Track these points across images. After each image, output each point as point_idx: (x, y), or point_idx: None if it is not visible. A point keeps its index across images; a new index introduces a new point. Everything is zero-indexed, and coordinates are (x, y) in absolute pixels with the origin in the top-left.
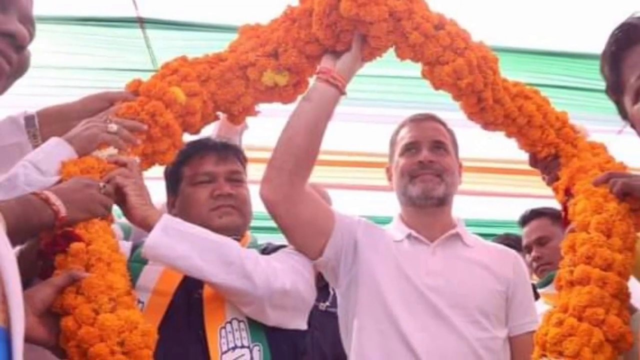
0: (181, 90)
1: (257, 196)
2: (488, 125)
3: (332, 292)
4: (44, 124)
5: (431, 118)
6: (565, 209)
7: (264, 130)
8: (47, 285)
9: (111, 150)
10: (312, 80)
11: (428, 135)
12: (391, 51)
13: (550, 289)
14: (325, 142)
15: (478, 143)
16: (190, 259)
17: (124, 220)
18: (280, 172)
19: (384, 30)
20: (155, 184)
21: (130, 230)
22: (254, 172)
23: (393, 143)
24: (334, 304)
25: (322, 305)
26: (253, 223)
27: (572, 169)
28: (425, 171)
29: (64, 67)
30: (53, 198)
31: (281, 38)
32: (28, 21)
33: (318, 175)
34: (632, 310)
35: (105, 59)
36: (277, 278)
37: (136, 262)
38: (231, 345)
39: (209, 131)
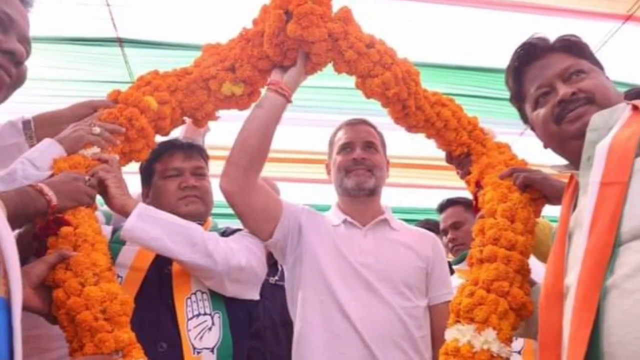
0: (154, 99)
1: (217, 188)
2: (411, 128)
3: (280, 268)
4: (39, 127)
5: (363, 122)
6: (475, 198)
7: (223, 132)
8: (41, 263)
9: (95, 149)
10: (263, 91)
11: (361, 136)
12: (330, 66)
13: (463, 266)
14: (274, 142)
15: (403, 143)
16: (161, 240)
17: (105, 208)
18: (237, 167)
19: (323, 49)
20: (132, 177)
21: (110, 216)
22: (215, 168)
23: (331, 143)
24: (282, 278)
25: (272, 279)
26: (214, 210)
27: (482, 164)
28: (358, 167)
29: (55, 80)
30: (46, 189)
31: (238, 55)
32: (25, 41)
33: (269, 170)
34: (532, 283)
35: (89, 73)
36: (234, 256)
37: (116, 243)
38: (196, 312)
39: (177, 133)
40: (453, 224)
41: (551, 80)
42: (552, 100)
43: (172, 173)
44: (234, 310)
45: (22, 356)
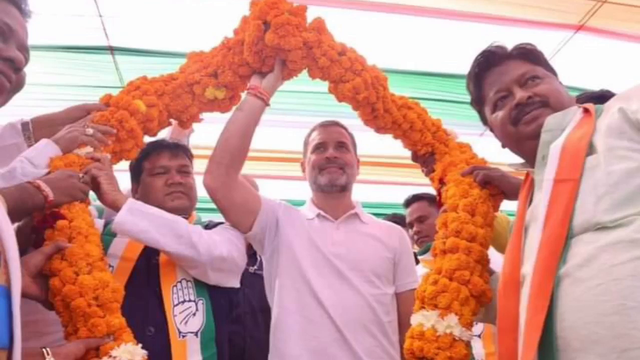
0: (142, 102)
1: (201, 184)
2: (380, 129)
3: (259, 259)
4: (36, 129)
5: (336, 124)
6: (439, 194)
7: (206, 133)
8: (39, 253)
9: (88, 149)
10: (243, 95)
11: (333, 137)
12: (305, 72)
13: (427, 256)
14: (254, 142)
15: (372, 143)
16: (150, 232)
17: (98, 202)
18: (219, 165)
19: (299, 56)
20: (122, 175)
21: (102, 210)
22: (199, 166)
23: (306, 143)
24: (260, 267)
25: (251, 269)
26: (198, 205)
27: (445, 163)
28: (331, 165)
29: (51, 85)
30: (43, 185)
31: (220, 62)
32: (24, 48)
33: (248, 168)
34: (491, 272)
35: (83, 79)
36: (217, 247)
37: (107, 235)
38: (181, 299)
39: (164, 134)
40: (418, 218)
41: (509, 85)
42: (510, 104)
43: (159, 171)
44: (216, 297)
45: (21, 339)
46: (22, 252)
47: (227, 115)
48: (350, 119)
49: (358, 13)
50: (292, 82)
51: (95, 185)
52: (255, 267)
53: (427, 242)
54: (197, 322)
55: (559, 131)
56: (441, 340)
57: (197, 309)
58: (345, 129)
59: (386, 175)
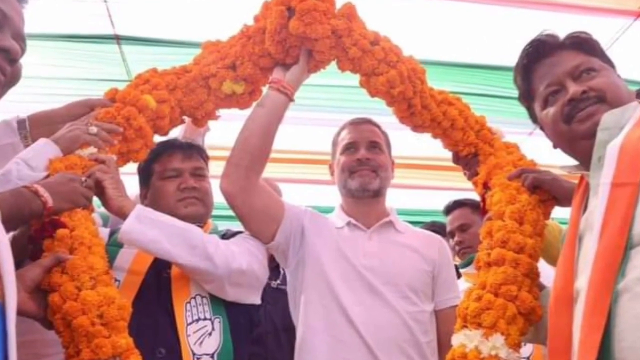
0: (152, 98)
1: (217, 189)
2: (417, 127)
3: (282, 272)
4: (34, 127)
5: (368, 121)
6: (483, 200)
7: (223, 132)
8: (37, 266)
9: (92, 149)
10: (265, 89)
11: (365, 136)
12: (333, 64)
13: (470, 269)
14: (276, 142)
15: (408, 143)
16: (160, 243)
17: (102, 209)
18: (238, 168)
19: (327, 46)
20: (129, 178)
21: (108, 218)
22: (215, 168)
23: (335, 143)
24: (284, 281)
25: (274, 283)
26: (214, 212)
27: (490, 165)
28: (362, 167)
29: (50, 78)
30: (41, 190)
31: (238, 52)
32: (20, 38)
33: (270, 171)
34: (541, 287)
35: (86, 71)
36: (235, 259)
37: (113, 246)
38: (195, 317)
39: (176, 133)
40: (460, 226)
41: (561, 78)
42: (562, 99)
43: (171, 174)
44: (235, 315)
45: None
46: (18, 264)
47: (247, 112)
48: (384, 116)
49: None
50: (319, 75)
51: (100, 190)
52: (278, 281)
53: (469, 253)
54: (213, 342)
55: (616, 130)
56: None
57: (213, 328)
58: (379, 127)
59: (424, 179)
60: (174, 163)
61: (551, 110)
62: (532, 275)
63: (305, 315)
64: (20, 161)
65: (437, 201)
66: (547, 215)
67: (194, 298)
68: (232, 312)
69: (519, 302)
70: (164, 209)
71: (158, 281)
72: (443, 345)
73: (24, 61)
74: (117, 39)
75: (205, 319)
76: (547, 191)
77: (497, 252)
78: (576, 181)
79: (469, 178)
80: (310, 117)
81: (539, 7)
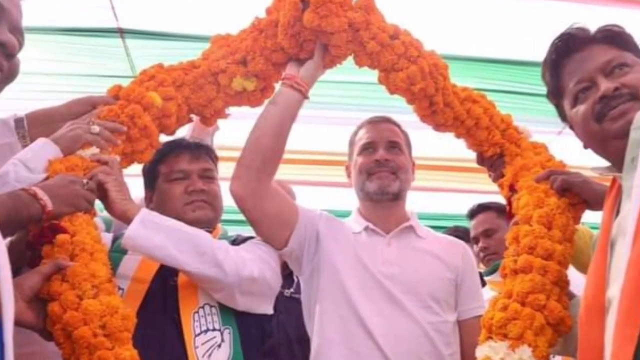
0: (158, 95)
1: (227, 192)
2: (439, 126)
3: (296, 280)
4: (32, 126)
5: (387, 120)
6: (509, 203)
7: (233, 131)
8: (35, 273)
9: (94, 150)
10: (277, 86)
11: (384, 136)
12: (350, 59)
13: (496, 277)
14: (289, 142)
15: (430, 143)
16: (166, 249)
17: (105, 213)
18: (249, 169)
19: (343, 40)
20: (134, 180)
21: (111, 222)
22: (225, 170)
23: (352, 143)
24: (297, 290)
25: (287, 292)
26: (224, 216)
27: (516, 166)
28: (381, 169)
29: (50, 74)
30: (40, 193)
31: (249, 47)
32: (18, 31)
33: (283, 173)
34: (570, 296)
35: (88, 66)
36: (246, 266)
37: (117, 252)
38: (203, 328)
39: (183, 132)
40: (485, 232)
41: (592, 74)
42: (593, 96)
43: (178, 176)
44: (246, 326)
45: None
46: (16, 272)
47: (258, 110)
48: (404, 114)
49: None
50: (335, 71)
51: (102, 192)
52: (292, 289)
53: (495, 260)
54: (222, 355)
55: None
56: None
57: (222, 340)
58: (398, 126)
59: (446, 181)
60: (181, 164)
61: (581, 108)
62: (561, 283)
63: (320, 326)
64: (17, 162)
65: (461, 205)
66: (577, 219)
67: (203, 307)
68: (242, 323)
69: (547, 311)
70: (171, 213)
71: (164, 290)
72: (467, 357)
73: (21, 56)
74: (121, 32)
75: (214, 329)
76: (577, 194)
77: (524, 259)
78: (608, 183)
79: (494, 180)
80: (325, 116)
81: None
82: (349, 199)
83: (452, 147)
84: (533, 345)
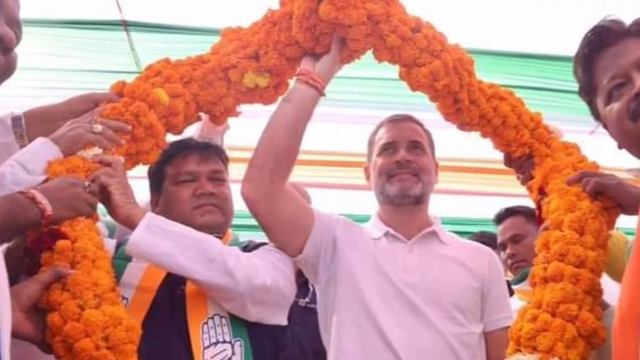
0: (164, 92)
1: (238, 195)
2: (464, 125)
3: (311, 289)
4: (31, 125)
5: (408, 119)
6: (539, 207)
7: (245, 130)
8: (34, 282)
9: (96, 150)
10: (292, 82)
11: (405, 135)
12: (369, 53)
13: (524, 286)
14: (305, 142)
15: (454, 143)
16: (173, 256)
17: (108, 218)
18: (261, 171)
19: (362, 33)
20: (139, 182)
21: (114, 228)
22: (236, 172)
23: (371, 143)
24: (313, 300)
25: (302, 302)
26: (234, 221)
27: (546, 168)
28: (402, 170)
29: (50, 69)
30: (39, 197)
31: (262, 41)
32: (15, 24)
33: (298, 175)
34: (604, 306)
35: (90, 61)
36: (258, 274)
37: (120, 259)
38: (213, 340)
39: (192, 131)
40: (512, 237)
41: (627, 69)
42: (628, 93)
43: (185, 178)
44: (258, 338)
45: None
46: (13, 280)
47: (271, 108)
48: (426, 112)
49: None
50: (353, 66)
51: (105, 196)
52: (307, 299)
53: (523, 267)
54: None
55: None
56: None
57: (233, 353)
58: (421, 125)
59: (472, 184)
60: (189, 166)
61: (616, 105)
62: (594, 292)
63: (337, 338)
64: (15, 163)
65: (487, 209)
66: (611, 224)
67: (212, 318)
68: (254, 334)
69: (579, 322)
70: (178, 217)
71: (171, 299)
72: None
73: (19, 50)
74: (125, 25)
75: (224, 341)
76: (611, 197)
77: (555, 267)
78: None
79: (523, 182)
80: (343, 114)
81: None
82: (368, 203)
83: (478, 147)
84: (564, 358)
